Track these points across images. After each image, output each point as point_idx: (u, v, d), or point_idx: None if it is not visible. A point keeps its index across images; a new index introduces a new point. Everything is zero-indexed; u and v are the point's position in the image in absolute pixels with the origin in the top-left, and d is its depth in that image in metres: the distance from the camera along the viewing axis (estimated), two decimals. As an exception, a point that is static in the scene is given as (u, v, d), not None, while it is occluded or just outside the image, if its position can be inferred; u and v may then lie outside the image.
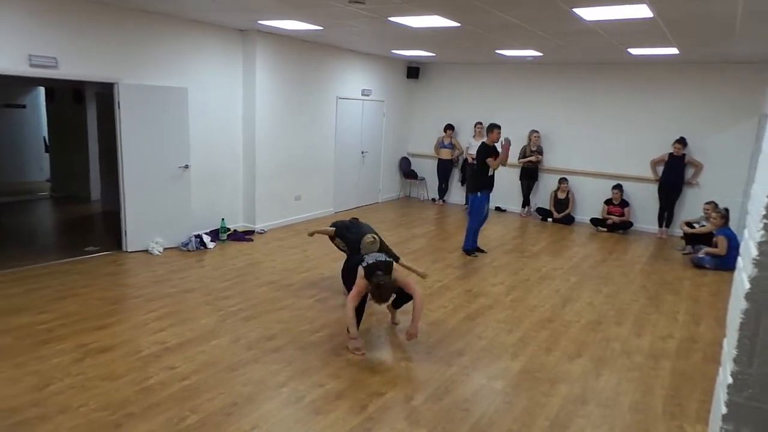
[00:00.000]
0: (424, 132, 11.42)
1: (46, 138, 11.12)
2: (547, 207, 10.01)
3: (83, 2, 5.79)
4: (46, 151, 11.13)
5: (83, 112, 9.59)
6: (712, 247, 7.25)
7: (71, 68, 5.78)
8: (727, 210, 7.46)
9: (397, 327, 4.81)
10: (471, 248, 7.27)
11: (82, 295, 5.14)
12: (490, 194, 7.21)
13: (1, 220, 8.24)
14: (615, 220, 9.19)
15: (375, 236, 5.21)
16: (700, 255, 7.29)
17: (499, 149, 6.97)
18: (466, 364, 4.16)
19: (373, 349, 4.35)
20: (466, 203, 10.73)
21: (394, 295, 4.54)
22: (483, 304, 5.50)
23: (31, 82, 10.40)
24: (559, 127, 10.01)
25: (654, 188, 9.13)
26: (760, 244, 1.28)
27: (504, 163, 7.02)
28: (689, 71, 8.78)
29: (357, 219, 5.71)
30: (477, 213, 7.18)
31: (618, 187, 9.25)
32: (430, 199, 11.52)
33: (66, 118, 9.96)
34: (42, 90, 10.86)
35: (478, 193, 7.10)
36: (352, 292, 4.34)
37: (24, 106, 11.12)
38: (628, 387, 3.94)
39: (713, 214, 7.54)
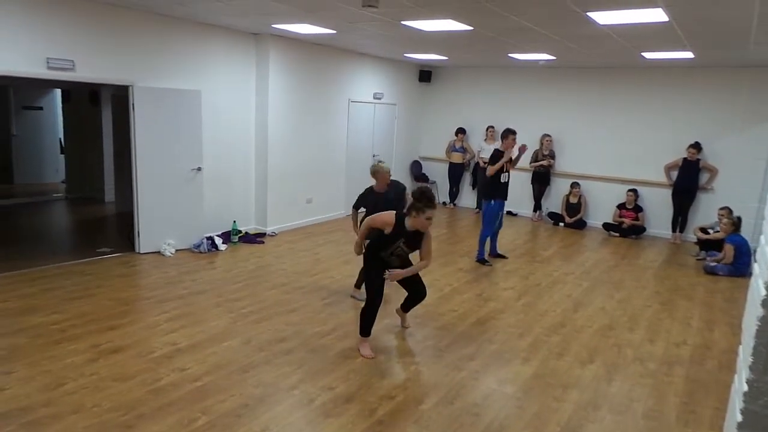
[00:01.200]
0: (435, 135, 11.41)
1: (62, 139, 11.27)
2: (559, 211, 9.96)
3: (100, 6, 5.87)
4: (62, 152, 11.27)
5: (98, 114, 9.71)
6: (724, 255, 7.18)
7: (88, 71, 5.85)
8: (739, 218, 7.37)
9: (407, 331, 4.80)
10: (482, 257, 7.11)
11: (95, 296, 5.19)
12: (504, 202, 7.07)
13: (17, 220, 8.35)
14: (627, 223, 9.11)
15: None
16: (711, 264, 7.22)
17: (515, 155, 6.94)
18: (476, 369, 4.14)
19: (383, 353, 4.35)
20: (477, 207, 10.72)
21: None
22: (494, 308, 5.47)
23: (49, 85, 10.53)
24: (571, 131, 9.95)
25: (668, 193, 9.05)
26: (777, 250, 1.27)
27: (510, 164, 6.94)
28: (704, 75, 8.70)
29: None
30: (490, 221, 7.04)
31: (633, 191, 9.18)
32: (441, 202, 11.49)
33: (81, 119, 10.08)
34: (58, 92, 11.00)
35: (492, 201, 6.97)
36: (371, 216, 4.20)
37: (41, 108, 11.27)
38: (641, 393, 3.90)
39: (724, 220, 7.47)
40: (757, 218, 8.09)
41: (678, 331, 5.13)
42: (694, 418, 3.62)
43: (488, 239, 7.20)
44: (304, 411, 3.44)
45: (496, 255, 7.35)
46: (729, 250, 7.08)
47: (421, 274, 4.51)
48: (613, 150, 9.61)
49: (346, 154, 9.47)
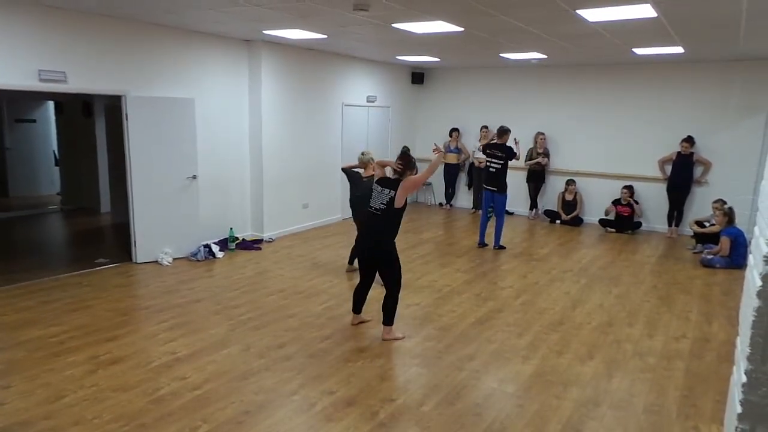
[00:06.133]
0: (430, 137, 11.38)
1: (56, 151, 11.24)
2: (555, 209, 9.98)
3: (91, 17, 5.86)
4: (56, 164, 11.24)
5: (92, 125, 9.68)
6: (720, 247, 7.21)
7: (80, 82, 5.84)
8: (731, 208, 7.42)
9: (406, 332, 4.79)
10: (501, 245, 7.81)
11: (93, 307, 5.17)
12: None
13: (13, 233, 8.32)
14: (625, 211, 9.11)
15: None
16: (708, 257, 7.24)
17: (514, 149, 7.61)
18: (476, 369, 4.15)
19: (382, 356, 4.34)
20: (474, 207, 10.73)
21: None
22: (492, 307, 5.48)
23: (41, 97, 10.51)
24: (565, 128, 9.98)
25: (663, 188, 9.08)
26: (770, 241, 1.27)
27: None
28: (695, 70, 8.74)
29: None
30: (504, 211, 7.78)
31: (628, 188, 9.17)
32: (437, 203, 11.50)
33: (75, 131, 10.05)
34: (51, 104, 10.98)
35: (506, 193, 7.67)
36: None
37: (34, 121, 11.24)
38: (642, 388, 3.91)
39: (717, 213, 7.50)
40: (752, 210, 8.12)
41: (677, 325, 5.15)
42: (695, 411, 3.62)
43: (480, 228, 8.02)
44: (305, 416, 3.44)
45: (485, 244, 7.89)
46: (725, 242, 7.10)
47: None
48: (607, 146, 9.64)
49: (341, 157, 9.46)
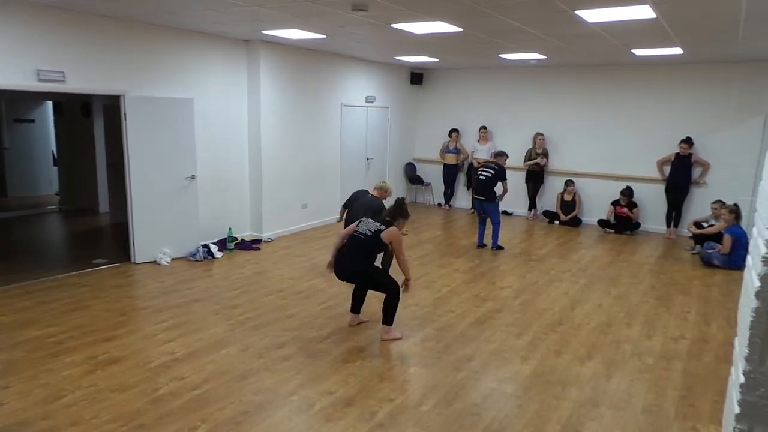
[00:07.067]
0: (428, 137, 11.43)
1: (55, 151, 11.23)
2: (554, 209, 9.98)
3: (89, 16, 5.86)
4: (55, 164, 11.23)
5: (91, 126, 9.67)
6: (722, 245, 7.22)
7: (78, 82, 5.84)
8: (736, 205, 7.41)
9: (405, 333, 4.79)
10: (499, 246, 7.91)
11: (92, 307, 5.17)
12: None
13: (11, 234, 8.31)
14: (623, 213, 9.11)
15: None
16: (709, 250, 7.25)
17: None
18: (475, 369, 4.15)
19: (381, 356, 4.35)
20: (473, 208, 10.73)
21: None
22: (491, 308, 5.48)
23: (40, 97, 10.50)
24: (564, 129, 9.99)
25: (661, 189, 9.09)
26: (768, 242, 1.27)
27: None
28: (694, 71, 8.75)
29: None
30: (498, 218, 7.87)
31: (627, 191, 9.14)
32: (436, 204, 11.51)
33: (74, 131, 10.04)
34: (50, 104, 10.97)
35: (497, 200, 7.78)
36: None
37: (33, 121, 11.23)
38: (640, 389, 3.91)
39: (722, 211, 7.50)
40: (750, 211, 8.13)
41: (675, 325, 5.15)
42: (693, 411, 3.63)
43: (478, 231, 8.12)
44: (304, 416, 3.44)
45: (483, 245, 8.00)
46: (727, 240, 7.09)
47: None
48: (606, 147, 9.65)
49: (339, 158, 9.47)
